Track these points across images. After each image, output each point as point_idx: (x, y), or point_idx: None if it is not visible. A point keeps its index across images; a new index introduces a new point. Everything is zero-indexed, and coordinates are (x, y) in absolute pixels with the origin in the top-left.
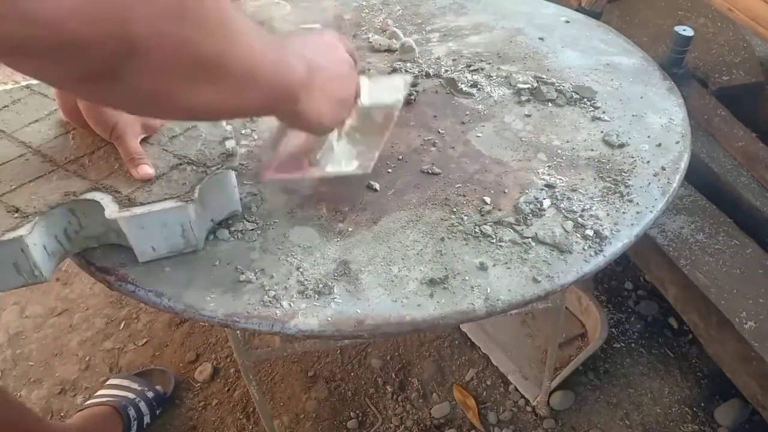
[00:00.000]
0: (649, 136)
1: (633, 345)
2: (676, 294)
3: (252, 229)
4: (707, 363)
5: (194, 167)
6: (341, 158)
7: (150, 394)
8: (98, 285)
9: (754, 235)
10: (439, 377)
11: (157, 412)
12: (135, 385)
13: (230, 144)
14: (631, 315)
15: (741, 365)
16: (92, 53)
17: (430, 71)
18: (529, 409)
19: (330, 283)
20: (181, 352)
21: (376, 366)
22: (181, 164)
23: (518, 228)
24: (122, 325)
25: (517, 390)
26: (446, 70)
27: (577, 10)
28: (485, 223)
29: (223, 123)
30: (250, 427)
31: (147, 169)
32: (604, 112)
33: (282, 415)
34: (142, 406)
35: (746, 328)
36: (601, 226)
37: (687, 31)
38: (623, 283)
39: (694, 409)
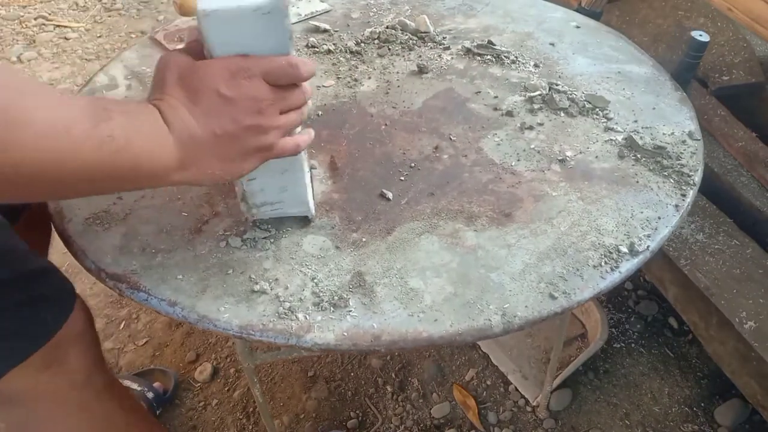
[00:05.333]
0: (662, 150)
1: (633, 345)
2: (676, 294)
3: (264, 238)
4: (707, 363)
5: None
6: None
7: (150, 395)
8: (98, 285)
9: (754, 235)
10: (439, 377)
11: (157, 412)
12: (135, 386)
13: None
14: (631, 315)
15: (741, 365)
16: None
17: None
18: (529, 409)
19: (345, 296)
20: (181, 352)
21: (376, 366)
22: None
23: (533, 240)
24: (122, 325)
25: (517, 390)
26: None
27: (577, 10)
28: (501, 236)
29: None
30: (250, 427)
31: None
32: (616, 123)
33: (282, 415)
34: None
35: (746, 328)
36: (615, 240)
37: (703, 37)
38: (623, 283)
39: (694, 409)
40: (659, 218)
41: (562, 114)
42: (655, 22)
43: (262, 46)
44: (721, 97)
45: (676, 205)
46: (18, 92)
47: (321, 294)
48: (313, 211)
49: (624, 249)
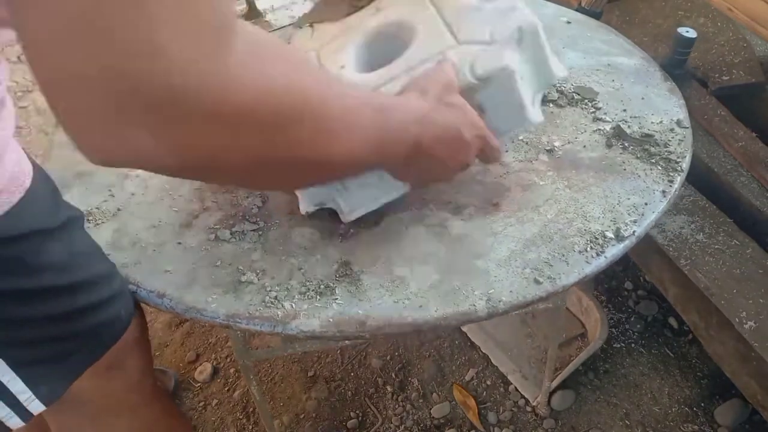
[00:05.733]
0: (650, 138)
1: (633, 345)
2: (676, 294)
3: (253, 230)
4: (707, 363)
5: None
6: None
7: None
8: None
9: (754, 235)
10: (439, 377)
11: None
12: None
13: None
14: (631, 315)
15: (741, 365)
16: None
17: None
18: (529, 409)
19: (331, 284)
20: (181, 352)
21: (376, 366)
22: None
23: (520, 228)
24: None
25: (517, 390)
26: None
27: (577, 10)
28: (488, 224)
29: None
30: (250, 427)
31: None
32: (605, 113)
33: (282, 415)
34: None
35: (746, 328)
36: (602, 226)
37: (690, 33)
38: (623, 283)
39: (694, 409)
40: (646, 204)
41: (551, 105)
42: (655, 22)
43: (501, 117)
44: (721, 97)
45: (663, 191)
46: (330, 90)
47: (307, 283)
48: (350, 219)
49: (610, 234)
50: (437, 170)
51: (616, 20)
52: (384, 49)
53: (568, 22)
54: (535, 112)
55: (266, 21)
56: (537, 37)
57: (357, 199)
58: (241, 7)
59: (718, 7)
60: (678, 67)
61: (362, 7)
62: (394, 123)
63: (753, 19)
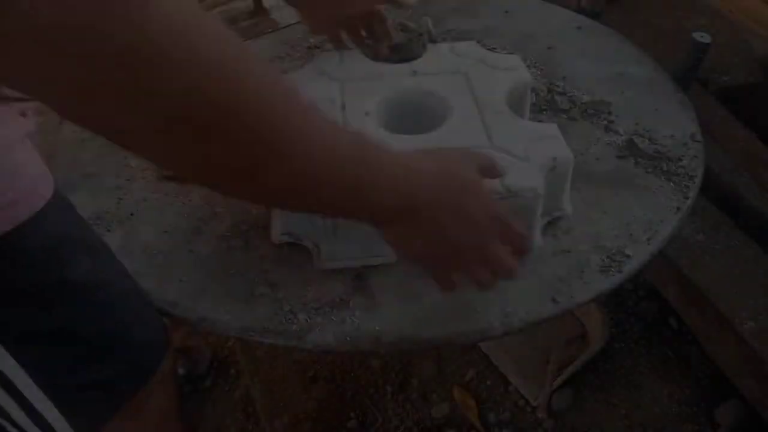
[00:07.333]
0: (663, 152)
1: (633, 345)
2: (676, 294)
3: (265, 238)
4: (707, 363)
5: None
6: None
7: None
8: None
9: (754, 235)
10: (439, 377)
11: None
12: None
13: None
14: (631, 315)
15: (741, 365)
16: None
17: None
18: (529, 409)
19: (345, 297)
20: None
21: (376, 366)
22: None
23: (534, 242)
24: None
25: (517, 390)
26: None
27: (576, 11)
28: None
29: None
30: (250, 427)
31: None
32: (617, 125)
33: (282, 415)
34: None
35: (746, 328)
36: (617, 243)
37: (705, 38)
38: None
39: (694, 409)
40: (660, 221)
41: (563, 116)
42: (655, 22)
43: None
44: (721, 97)
45: (677, 207)
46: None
47: (322, 296)
48: (323, 267)
49: (625, 251)
50: (444, 245)
51: (615, 20)
52: (412, 112)
53: (579, 28)
54: (539, 236)
55: (272, 19)
56: (566, 172)
57: (339, 251)
58: (247, 4)
59: (718, 8)
60: (692, 72)
61: (391, 61)
62: (377, 163)
63: (753, 19)
